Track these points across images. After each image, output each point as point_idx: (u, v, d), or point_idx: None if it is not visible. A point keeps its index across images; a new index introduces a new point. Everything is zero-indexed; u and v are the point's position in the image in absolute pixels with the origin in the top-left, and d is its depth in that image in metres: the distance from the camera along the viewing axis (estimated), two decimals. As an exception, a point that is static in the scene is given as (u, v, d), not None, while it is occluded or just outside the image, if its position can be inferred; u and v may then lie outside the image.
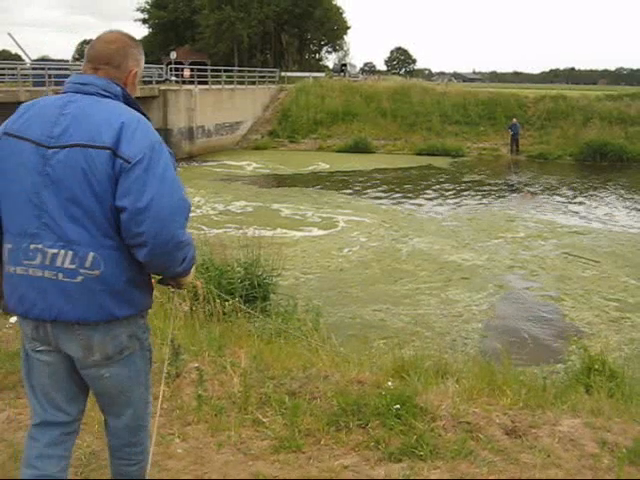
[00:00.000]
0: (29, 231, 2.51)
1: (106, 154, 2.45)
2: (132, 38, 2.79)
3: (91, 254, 2.48)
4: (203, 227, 17.71)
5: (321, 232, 18.33)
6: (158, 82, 37.22)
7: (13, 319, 5.59)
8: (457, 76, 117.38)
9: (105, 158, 2.45)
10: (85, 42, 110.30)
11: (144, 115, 2.68)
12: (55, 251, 2.48)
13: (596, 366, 6.67)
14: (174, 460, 3.67)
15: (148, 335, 2.81)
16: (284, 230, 18.29)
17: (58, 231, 2.48)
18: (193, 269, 2.77)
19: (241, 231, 16.38)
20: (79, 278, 2.49)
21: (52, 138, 2.51)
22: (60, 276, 2.49)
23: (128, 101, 2.67)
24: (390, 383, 4.60)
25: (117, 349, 2.64)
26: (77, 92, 2.62)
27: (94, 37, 2.80)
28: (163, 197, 2.44)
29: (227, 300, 7.22)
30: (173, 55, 47.72)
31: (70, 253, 2.48)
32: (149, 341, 2.82)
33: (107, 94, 2.61)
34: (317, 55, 79.96)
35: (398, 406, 4.12)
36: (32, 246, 2.51)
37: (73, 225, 2.48)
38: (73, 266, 2.48)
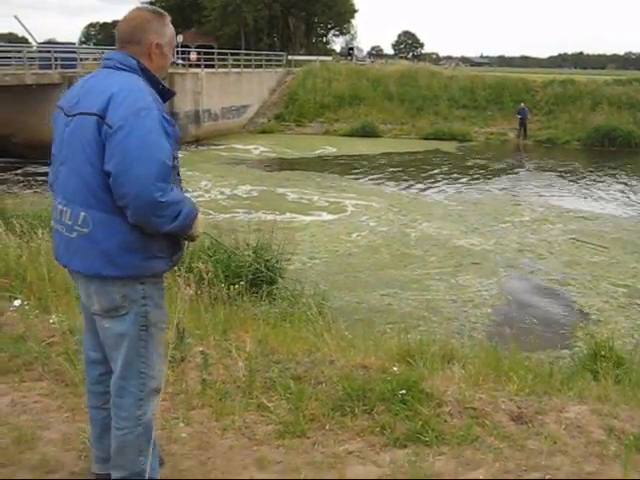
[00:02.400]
0: (54, 189, 2.91)
1: (93, 120, 2.69)
2: (153, 11, 2.97)
3: (82, 213, 2.74)
4: (211, 212, 17.68)
5: (330, 216, 18.32)
6: (165, 65, 36.99)
7: (17, 302, 5.58)
8: (465, 60, 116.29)
9: (93, 124, 2.69)
10: (91, 25, 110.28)
11: (163, 87, 2.93)
12: (61, 207, 2.82)
13: (603, 352, 6.64)
14: (178, 444, 3.65)
15: (150, 302, 2.90)
16: (293, 214, 18.27)
17: (64, 190, 2.82)
18: (199, 222, 2.91)
19: (251, 215, 16.38)
20: (74, 234, 2.78)
21: (71, 107, 2.83)
22: (64, 230, 2.83)
23: (145, 73, 2.87)
24: (396, 368, 4.56)
25: (111, 305, 2.84)
26: (104, 67, 2.92)
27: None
28: (141, 162, 2.62)
29: (234, 284, 7.18)
30: (180, 38, 47.43)
31: (69, 210, 2.79)
32: (148, 309, 2.90)
33: (123, 67, 2.84)
34: (324, 39, 79.64)
35: (404, 391, 4.09)
36: (55, 203, 2.87)
37: (72, 185, 2.78)
38: (70, 222, 2.79)
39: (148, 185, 2.61)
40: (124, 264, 2.76)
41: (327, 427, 3.88)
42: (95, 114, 2.68)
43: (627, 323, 10.48)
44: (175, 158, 2.83)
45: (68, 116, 2.82)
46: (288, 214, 18.24)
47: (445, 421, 3.94)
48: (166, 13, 3.00)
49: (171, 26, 2.99)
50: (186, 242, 3.05)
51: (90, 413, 3.21)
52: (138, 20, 2.89)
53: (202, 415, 4.03)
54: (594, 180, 26.20)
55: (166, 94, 2.95)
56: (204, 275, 5.60)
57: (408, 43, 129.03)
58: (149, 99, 2.73)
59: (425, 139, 37.01)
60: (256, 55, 46.78)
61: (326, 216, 18.42)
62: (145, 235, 2.76)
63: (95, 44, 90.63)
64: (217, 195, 21.26)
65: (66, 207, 2.79)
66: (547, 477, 3.42)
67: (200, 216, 2.93)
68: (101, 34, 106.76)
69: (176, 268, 4.01)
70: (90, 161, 2.70)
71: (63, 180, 2.82)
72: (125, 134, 2.62)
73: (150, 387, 2.97)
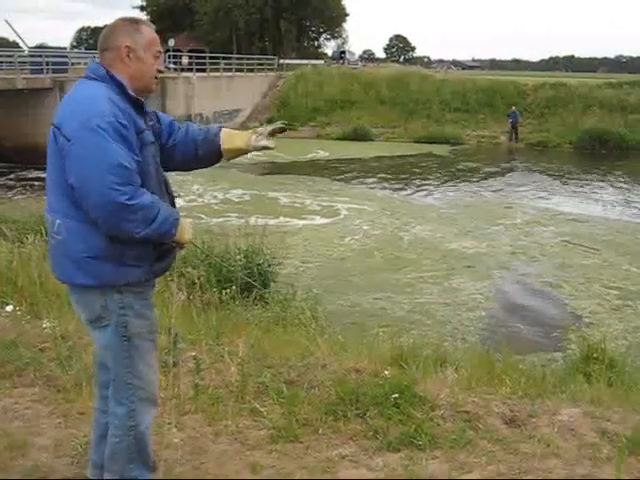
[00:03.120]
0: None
1: (52, 131, 2.76)
2: (129, 19, 2.94)
3: (57, 221, 2.78)
4: (203, 216, 17.64)
5: (323, 220, 18.32)
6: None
7: (8, 308, 5.56)
8: (456, 64, 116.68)
9: (52, 135, 2.76)
10: (83, 29, 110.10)
11: (130, 95, 2.82)
12: (46, 214, 2.88)
13: (595, 354, 6.65)
14: (171, 450, 3.63)
15: (130, 312, 2.86)
16: (287, 218, 18.23)
17: (48, 198, 2.85)
18: (184, 228, 2.89)
19: (243, 220, 16.36)
20: (53, 240, 2.84)
21: (54, 117, 2.82)
22: (48, 237, 2.91)
23: (114, 81, 2.82)
24: (388, 372, 4.56)
25: (93, 316, 2.87)
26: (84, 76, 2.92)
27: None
28: (97, 170, 2.61)
29: (226, 288, 7.17)
30: (171, 42, 47.53)
31: (50, 218, 2.83)
32: (127, 319, 2.86)
33: (94, 77, 2.84)
34: (316, 42, 79.64)
35: (396, 395, 4.09)
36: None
37: (50, 194, 2.83)
38: (50, 230, 2.85)
39: (109, 190, 2.59)
40: (95, 273, 2.75)
41: (320, 431, 3.88)
42: (55, 125, 2.74)
43: (620, 325, 10.49)
44: (142, 163, 2.76)
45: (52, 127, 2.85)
46: (282, 218, 18.20)
47: (438, 425, 3.93)
48: (144, 20, 3.01)
49: (148, 31, 2.91)
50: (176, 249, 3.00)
51: (95, 415, 3.21)
52: (110, 27, 2.90)
53: (195, 420, 4.02)
54: (585, 183, 26.27)
55: (139, 102, 2.87)
56: (195, 280, 5.59)
57: (400, 47, 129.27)
58: (103, 107, 2.68)
59: (417, 142, 37.00)
60: (248, 59, 46.81)
61: (319, 220, 18.41)
62: (116, 244, 2.73)
63: (87, 49, 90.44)
64: (211, 200, 21.19)
65: (48, 214, 2.84)
66: (540, 480, 3.42)
67: (186, 222, 2.91)
68: (92, 38, 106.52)
69: (168, 273, 3.99)
70: (56, 170, 2.76)
71: (47, 188, 2.86)
72: (79, 146, 2.64)
73: (139, 397, 2.95)
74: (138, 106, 2.87)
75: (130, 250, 2.77)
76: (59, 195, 2.76)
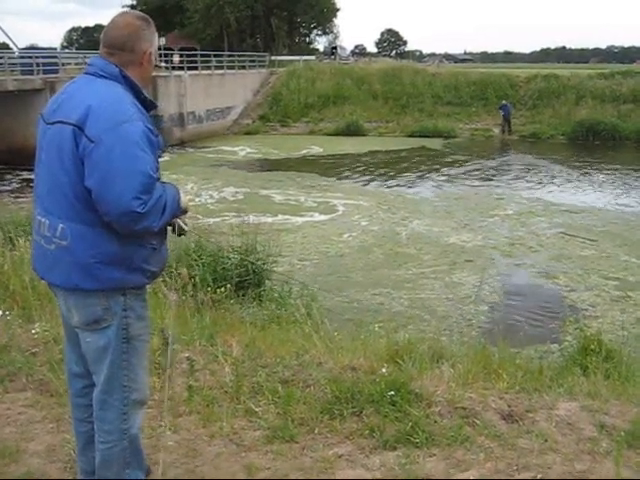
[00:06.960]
0: (35, 199, 2.83)
1: (70, 130, 2.61)
2: (143, 19, 2.89)
3: (60, 225, 2.67)
4: (199, 216, 17.56)
5: (321, 217, 18.26)
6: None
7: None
8: (448, 57, 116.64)
9: (69, 134, 2.61)
10: (73, 29, 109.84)
11: (144, 97, 2.84)
12: (39, 219, 2.76)
13: (592, 346, 6.62)
14: (165, 453, 3.59)
15: (132, 314, 2.83)
16: (284, 216, 18.18)
17: (42, 201, 2.75)
18: (182, 198, 2.89)
19: (240, 218, 16.28)
20: (52, 246, 2.71)
21: (50, 115, 2.76)
22: (43, 242, 2.75)
23: (128, 82, 2.79)
24: (384, 369, 4.52)
25: (92, 319, 2.77)
26: (85, 73, 2.83)
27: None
28: (124, 176, 2.54)
29: (220, 287, 7.13)
30: (162, 41, 47.34)
31: (47, 222, 2.71)
32: (129, 321, 2.83)
33: (104, 74, 2.76)
34: (307, 38, 79.49)
35: (393, 393, 4.05)
36: (35, 213, 2.82)
37: (50, 196, 2.71)
38: (49, 234, 2.71)
39: (131, 199, 2.53)
40: (104, 277, 2.69)
41: (316, 431, 3.84)
42: (73, 124, 2.61)
43: (619, 317, 10.41)
44: (157, 168, 2.75)
45: (47, 124, 2.75)
46: (279, 216, 18.13)
47: (435, 422, 3.90)
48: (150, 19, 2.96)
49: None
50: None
51: (74, 425, 3.16)
52: (131, 29, 2.80)
53: (189, 422, 3.98)
54: (579, 173, 26.26)
55: (148, 104, 2.86)
56: (187, 280, 5.56)
57: (391, 41, 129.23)
58: (131, 110, 2.65)
59: (410, 136, 37.00)
60: (239, 56, 46.69)
61: (317, 217, 18.33)
62: (126, 248, 2.69)
63: (77, 49, 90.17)
64: (208, 199, 21.02)
65: (44, 218, 2.72)
66: (539, 476, 3.39)
67: (178, 189, 2.92)
68: (83, 38, 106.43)
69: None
70: (67, 172, 2.63)
71: (41, 190, 2.76)
72: (106, 149, 2.55)
73: (133, 400, 2.91)
74: (150, 109, 2.86)
75: (139, 253, 2.75)
76: (62, 197, 2.65)
